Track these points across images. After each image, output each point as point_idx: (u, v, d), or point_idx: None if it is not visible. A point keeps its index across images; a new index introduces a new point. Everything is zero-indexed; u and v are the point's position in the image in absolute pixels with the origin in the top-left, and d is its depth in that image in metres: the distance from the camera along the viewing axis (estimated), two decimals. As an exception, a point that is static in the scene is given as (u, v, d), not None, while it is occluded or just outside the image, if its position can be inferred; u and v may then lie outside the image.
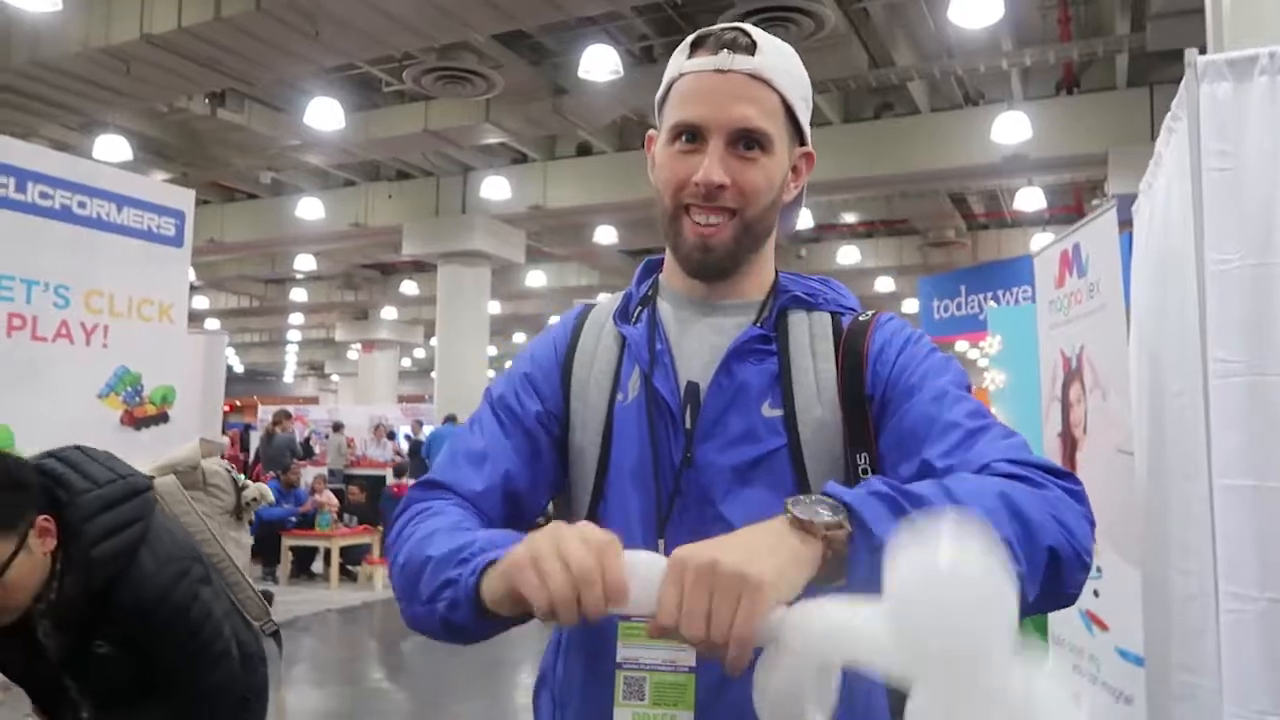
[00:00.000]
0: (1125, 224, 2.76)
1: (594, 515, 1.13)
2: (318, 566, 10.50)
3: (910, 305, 18.49)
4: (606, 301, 1.23)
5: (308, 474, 13.01)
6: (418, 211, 14.96)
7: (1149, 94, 10.33)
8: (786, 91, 1.09)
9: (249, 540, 2.12)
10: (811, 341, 1.13)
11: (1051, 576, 0.87)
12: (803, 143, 1.15)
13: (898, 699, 1.20)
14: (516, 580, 0.85)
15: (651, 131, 1.17)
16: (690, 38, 1.12)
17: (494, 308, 18.46)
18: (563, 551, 0.82)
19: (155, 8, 8.33)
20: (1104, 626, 2.69)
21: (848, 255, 16.87)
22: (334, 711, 5.79)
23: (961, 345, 8.77)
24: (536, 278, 19.90)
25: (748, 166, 1.08)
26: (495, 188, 13.35)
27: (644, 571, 0.83)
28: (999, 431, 1.00)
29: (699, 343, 1.14)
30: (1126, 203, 2.93)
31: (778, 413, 1.09)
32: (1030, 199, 12.72)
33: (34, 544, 1.64)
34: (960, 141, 11.28)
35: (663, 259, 1.22)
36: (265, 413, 19.95)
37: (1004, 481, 0.90)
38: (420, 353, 30.91)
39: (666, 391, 1.11)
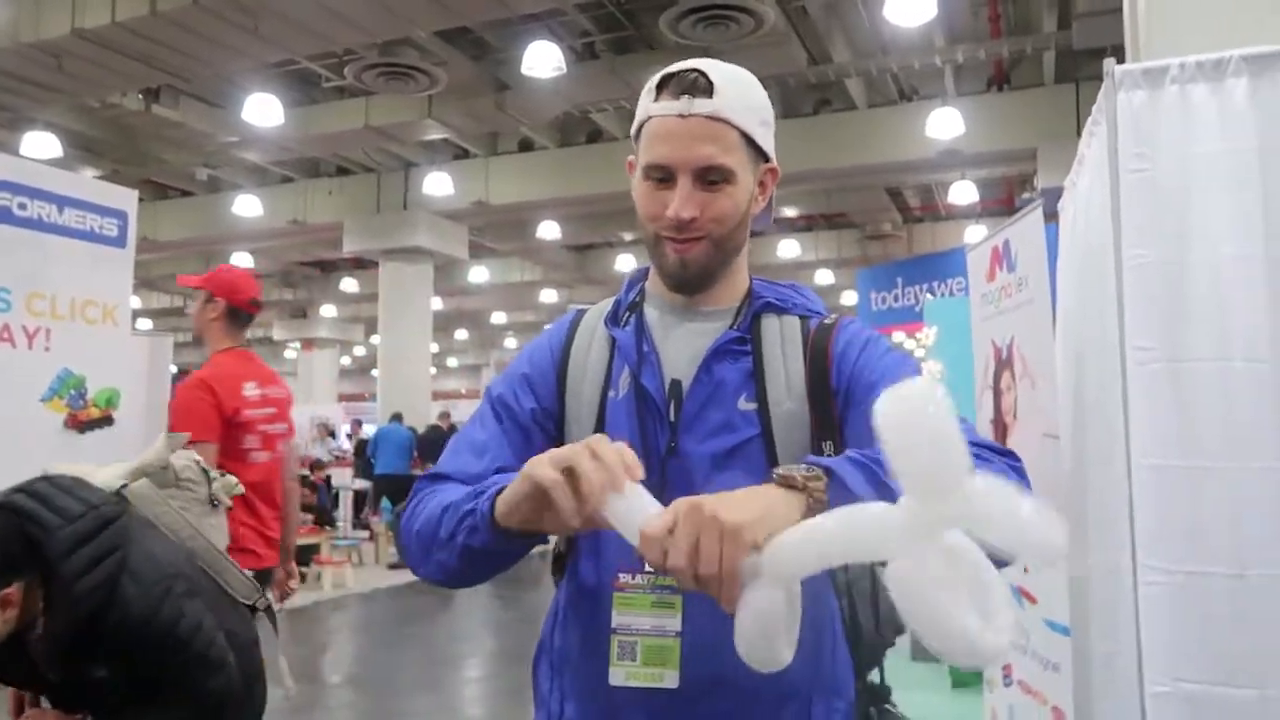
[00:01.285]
0: (1052, 216, 2.91)
1: None
2: (263, 567, 10.39)
3: (849, 297, 18.74)
4: (597, 308, 1.35)
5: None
6: (358, 208, 14.78)
7: (1075, 90, 10.62)
8: (744, 124, 1.20)
9: (225, 523, 2.17)
10: (782, 343, 1.25)
11: None
12: (767, 159, 1.26)
13: (857, 638, 1.32)
14: (537, 468, 0.97)
15: (631, 158, 1.27)
16: (655, 79, 1.22)
17: (437, 304, 18.30)
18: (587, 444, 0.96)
19: (88, 1, 8.11)
20: (1033, 600, 2.84)
21: (788, 249, 17.04)
22: (286, 709, 5.78)
23: (899, 336, 8.94)
24: (480, 273, 19.78)
25: (715, 197, 1.20)
26: (437, 184, 13.25)
27: (644, 499, 0.95)
28: None
29: (682, 344, 1.26)
30: (1054, 196, 3.07)
31: (752, 406, 1.21)
32: (963, 192, 13.00)
33: None
34: (896, 137, 11.49)
35: (648, 269, 1.33)
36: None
37: None
38: (361, 350, 30.51)
39: (653, 388, 1.23)
